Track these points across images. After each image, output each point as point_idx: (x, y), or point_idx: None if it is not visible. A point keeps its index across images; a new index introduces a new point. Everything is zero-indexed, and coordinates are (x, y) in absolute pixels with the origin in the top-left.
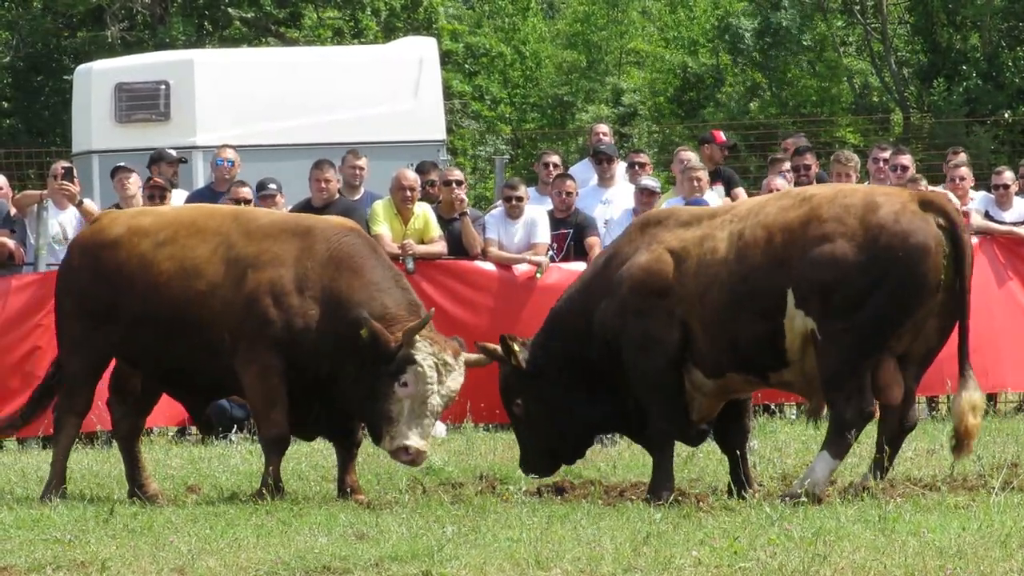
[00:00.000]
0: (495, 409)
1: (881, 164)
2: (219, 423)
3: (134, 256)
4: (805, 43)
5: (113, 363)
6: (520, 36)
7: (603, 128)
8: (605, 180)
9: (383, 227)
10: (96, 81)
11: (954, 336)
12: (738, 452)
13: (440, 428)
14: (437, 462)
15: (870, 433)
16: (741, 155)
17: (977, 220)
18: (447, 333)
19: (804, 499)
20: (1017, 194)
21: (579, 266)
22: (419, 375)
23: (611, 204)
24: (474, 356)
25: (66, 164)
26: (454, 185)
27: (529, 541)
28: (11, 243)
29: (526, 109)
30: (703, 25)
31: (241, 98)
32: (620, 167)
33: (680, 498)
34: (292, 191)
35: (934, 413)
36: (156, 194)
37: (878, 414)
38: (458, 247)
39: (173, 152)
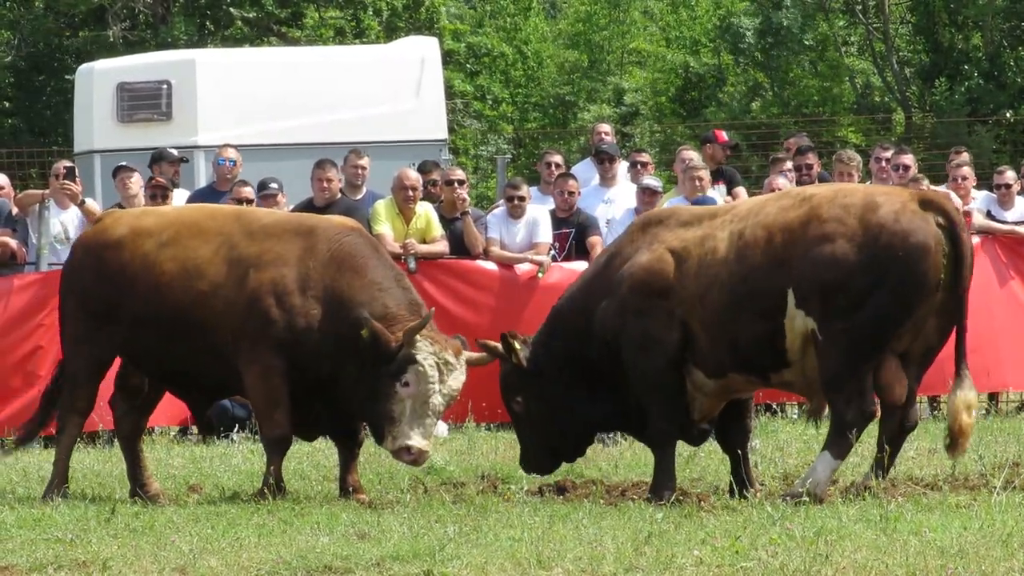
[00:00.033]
0: (497, 408)
1: (883, 164)
2: (220, 423)
3: (137, 257)
4: (807, 43)
5: (118, 361)
6: (522, 36)
7: (605, 128)
8: (607, 180)
9: (385, 226)
10: (98, 81)
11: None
12: (739, 452)
13: (442, 427)
14: (439, 461)
15: (871, 433)
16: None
17: (979, 220)
18: (449, 332)
19: (806, 499)
20: (1019, 194)
21: (581, 266)
22: (420, 375)
23: (613, 204)
24: (476, 355)
25: (68, 164)
26: (456, 185)
27: (531, 540)
28: (13, 243)
29: (528, 109)
30: (705, 25)
31: (243, 98)
32: (622, 167)
33: (682, 498)
34: (294, 191)
35: (935, 413)
36: (158, 194)
37: (879, 414)
38: (460, 247)
39: (174, 152)
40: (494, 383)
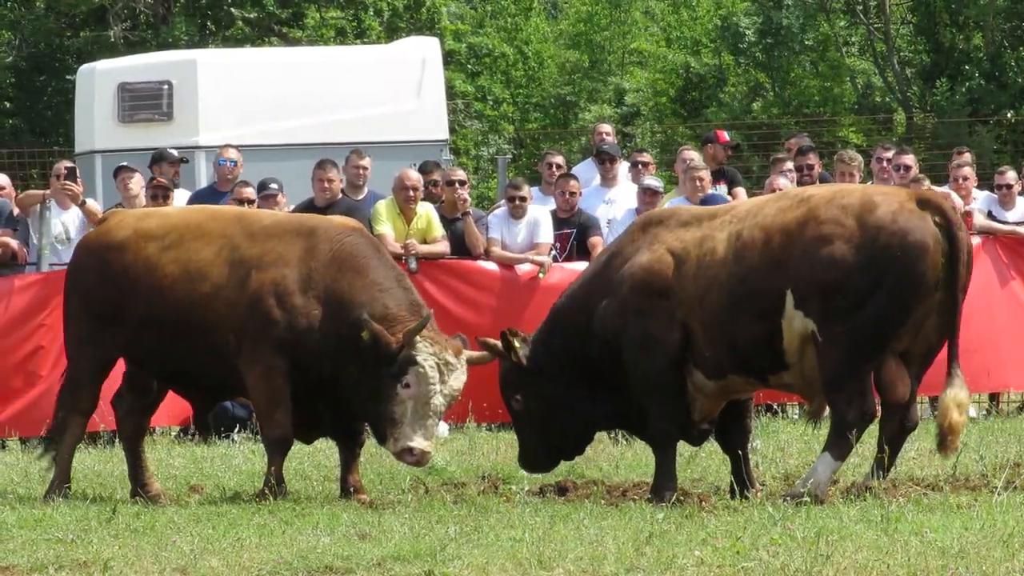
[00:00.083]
0: (498, 409)
1: (884, 164)
2: (221, 423)
3: (139, 259)
4: (807, 43)
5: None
6: (523, 36)
7: (606, 128)
8: (608, 180)
9: (386, 227)
10: (99, 81)
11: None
12: (740, 452)
13: (442, 428)
14: (439, 462)
15: (872, 433)
16: (744, 155)
17: (980, 220)
18: (449, 333)
19: (807, 499)
20: (1020, 194)
21: (582, 266)
22: (421, 376)
23: (614, 204)
24: (476, 353)
25: (69, 164)
26: (457, 185)
27: (532, 541)
28: (14, 243)
29: (529, 109)
30: (705, 25)
31: (244, 98)
32: (623, 167)
33: (683, 498)
34: (294, 191)
35: (936, 413)
36: (159, 194)
37: (879, 414)
38: (461, 247)
39: (174, 152)
40: (495, 383)
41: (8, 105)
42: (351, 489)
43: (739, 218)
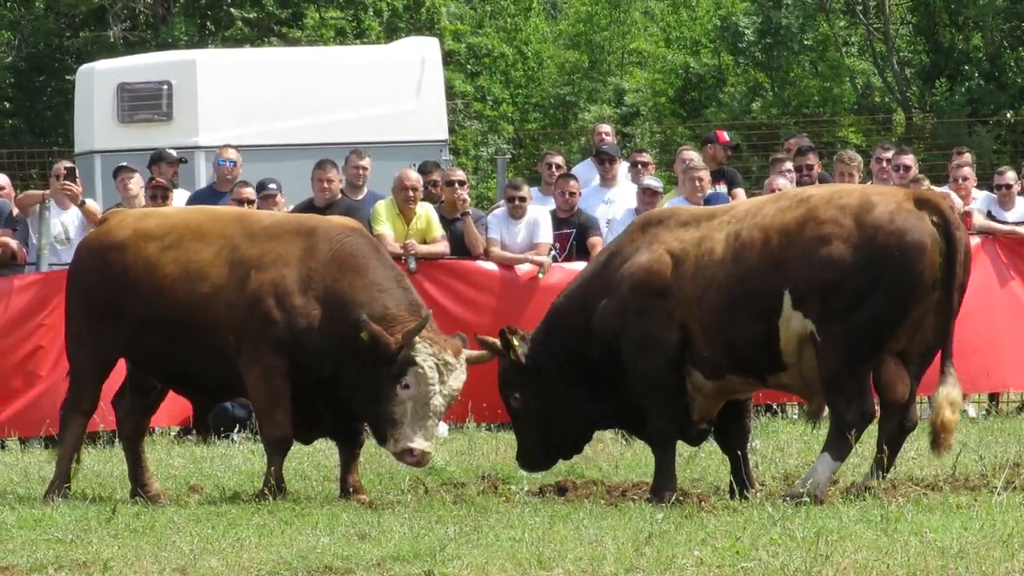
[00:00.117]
0: (497, 409)
1: (884, 164)
2: (219, 424)
3: (140, 259)
4: (807, 43)
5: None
6: (522, 36)
7: (606, 128)
8: (607, 180)
9: (386, 227)
10: (98, 81)
11: (957, 335)
12: (739, 452)
13: (442, 428)
14: (439, 462)
15: (872, 433)
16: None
17: (979, 220)
18: (449, 333)
19: (806, 499)
20: (1019, 194)
21: (581, 266)
22: (420, 376)
23: (613, 204)
24: (476, 352)
25: (68, 164)
26: (456, 185)
27: (531, 541)
28: (13, 243)
29: (528, 109)
30: (705, 25)
31: (243, 98)
32: (622, 167)
33: (682, 498)
34: (294, 191)
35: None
36: (158, 194)
37: (879, 414)
38: (460, 247)
39: (173, 152)
40: (494, 383)
41: (8, 105)
42: (351, 489)
43: (738, 218)
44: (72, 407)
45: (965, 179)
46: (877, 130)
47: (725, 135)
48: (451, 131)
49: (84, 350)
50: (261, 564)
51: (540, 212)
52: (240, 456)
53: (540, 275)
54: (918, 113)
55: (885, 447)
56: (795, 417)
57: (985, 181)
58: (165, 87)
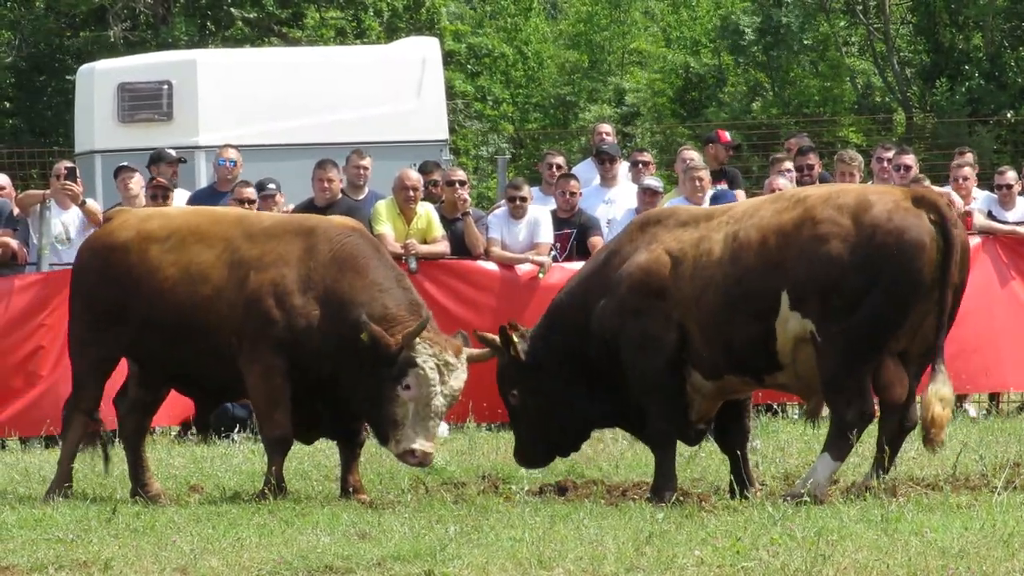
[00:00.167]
0: (497, 408)
1: (885, 164)
2: (220, 424)
3: (142, 261)
4: (807, 43)
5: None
6: (522, 36)
7: (606, 128)
8: (608, 180)
9: (386, 227)
10: (99, 81)
11: (957, 335)
12: (739, 452)
13: (442, 428)
14: (439, 462)
15: (872, 433)
16: (743, 155)
17: (980, 220)
18: (449, 333)
19: (806, 499)
20: (1020, 194)
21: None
22: (421, 378)
23: (614, 204)
24: (477, 351)
25: (69, 164)
26: (457, 185)
27: (532, 540)
28: (14, 243)
29: (528, 109)
30: (705, 25)
31: (244, 98)
32: (623, 167)
33: (682, 498)
34: (295, 191)
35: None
36: (159, 194)
37: (879, 414)
38: (461, 247)
39: (172, 152)
40: (495, 383)
41: (8, 105)
42: (351, 489)
43: (736, 219)
44: (74, 407)
45: (965, 179)
46: (877, 130)
47: (727, 135)
48: (451, 131)
49: (86, 350)
50: (262, 564)
51: (541, 212)
52: (240, 456)
53: (541, 275)
54: (918, 113)
55: (885, 447)
56: (795, 417)
57: (985, 181)
58: (165, 87)
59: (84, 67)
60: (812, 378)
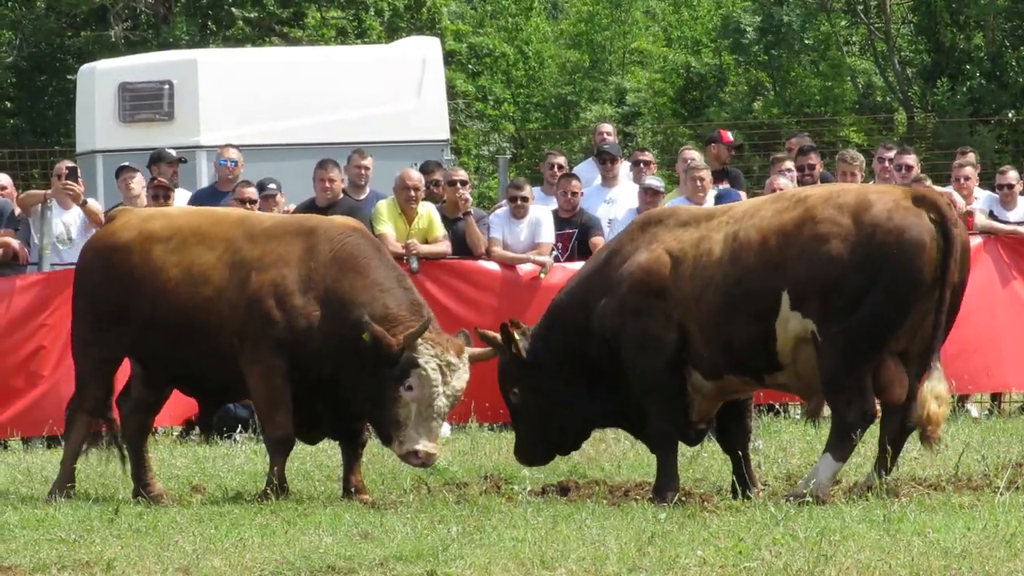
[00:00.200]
0: (499, 409)
1: (886, 164)
2: (222, 424)
3: (144, 262)
4: (808, 42)
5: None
6: (523, 36)
7: (607, 128)
8: (609, 180)
9: (387, 227)
10: (100, 81)
11: (958, 335)
12: (740, 452)
13: (444, 428)
14: (441, 462)
15: (874, 432)
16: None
17: (981, 220)
18: (451, 332)
19: (809, 499)
20: (1021, 194)
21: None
22: (423, 378)
23: (615, 204)
24: (479, 350)
25: (70, 164)
26: (458, 185)
27: (534, 541)
28: (15, 243)
29: (529, 109)
30: (706, 25)
31: (245, 98)
32: (624, 167)
33: (685, 498)
34: (296, 191)
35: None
36: (160, 194)
37: (880, 414)
38: (462, 247)
39: (172, 152)
40: (496, 383)
41: (9, 105)
42: (353, 489)
43: (736, 219)
44: (78, 407)
45: (967, 179)
46: (879, 130)
47: (729, 135)
48: (452, 131)
49: (89, 351)
50: (264, 564)
51: (542, 212)
52: (243, 456)
53: (542, 275)
54: (919, 113)
55: (888, 447)
56: (797, 417)
57: (987, 181)
58: (166, 87)
59: (85, 67)
60: (812, 378)
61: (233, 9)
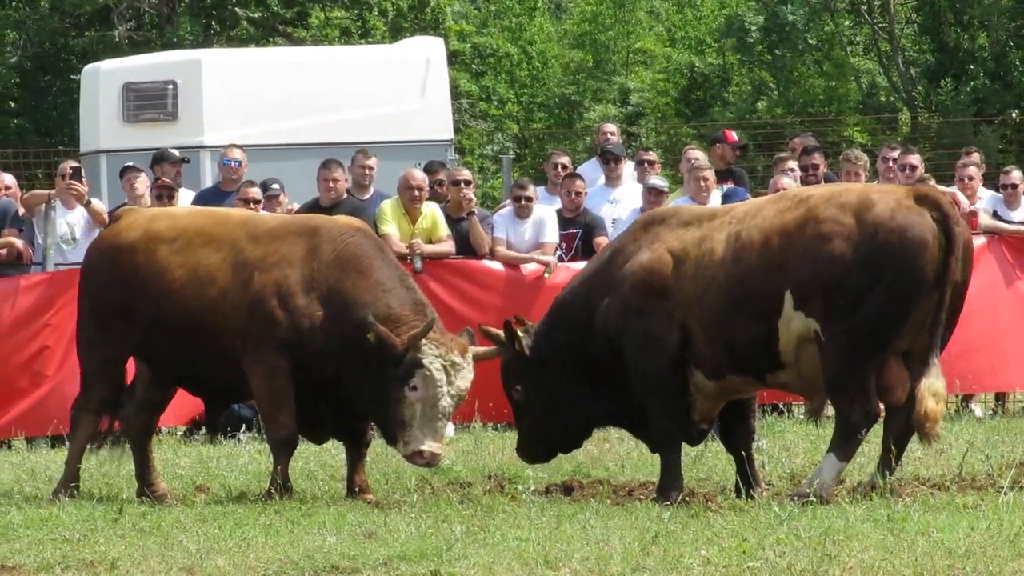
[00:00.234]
0: (503, 408)
1: (890, 164)
2: (226, 424)
3: (149, 262)
4: (812, 42)
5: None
6: (527, 36)
7: (611, 127)
8: (612, 179)
9: (391, 226)
10: (104, 81)
11: (962, 335)
12: (744, 452)
13: (449, 428)
14: (445, 462)
15: (877, 432)
16: (749, 155)
17: (985, 220)
18: (455, 332)
19: (812, 498)
20: None
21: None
22: (427, 379)
23: (618, 203)
24: (483, 349)
25: (74, 164)
26: (462, 185)
27: (538, 540)
28: (19, 243)
29: (533, 109)
30: (710, 25)
31: (248, 98)
32: (627, 166)
33: (688, 498)
34: (299, 191)
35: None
36: (164, 194)
37: (884, 413)
38: (466, 246)
39: (175, 152)
40: (500, 383)
41: (13, 105)
42: (357, 489)
43: (738, 219)
44: (83, 407)
45: (971, 179)
46: (882, 129)
47: (733, 135)
48: (456, 131)
49: (94, 350)
50: (268, 563)
51: (546, 212)
52: (246, 456)
53: (546, 275)
54: (923, 112)
55: (892, 447)
56: (801, 417)
57: (991, 180)
58: (170, 87)
59: (89, 67)
60: (815, 377)
61: (237, 9)
